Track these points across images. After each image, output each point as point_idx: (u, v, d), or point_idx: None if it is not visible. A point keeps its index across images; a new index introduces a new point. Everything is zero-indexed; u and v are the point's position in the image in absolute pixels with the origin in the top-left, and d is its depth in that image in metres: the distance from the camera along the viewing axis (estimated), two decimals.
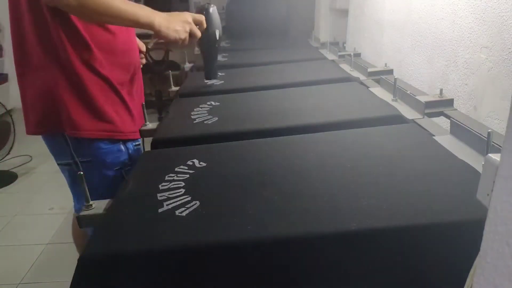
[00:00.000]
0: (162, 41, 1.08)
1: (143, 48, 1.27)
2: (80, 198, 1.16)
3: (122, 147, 1.10)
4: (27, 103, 1.05)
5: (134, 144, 1.12)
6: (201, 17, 1.14)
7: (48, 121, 1.03)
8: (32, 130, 1.06)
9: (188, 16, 1.09)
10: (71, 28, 0.97)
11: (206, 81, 1.40)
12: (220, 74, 1.51)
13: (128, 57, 1.11)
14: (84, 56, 1.00)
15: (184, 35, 1.07)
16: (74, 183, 1.13)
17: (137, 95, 1.17)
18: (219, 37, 1.25)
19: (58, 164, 1.11)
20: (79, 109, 1.01)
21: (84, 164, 1.06)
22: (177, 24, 1.05)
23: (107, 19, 0.96)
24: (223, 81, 1.46)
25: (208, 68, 1.35)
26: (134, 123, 1.12)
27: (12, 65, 1.04)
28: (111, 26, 1.03)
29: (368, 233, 0.56)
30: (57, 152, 1.09)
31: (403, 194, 0.65)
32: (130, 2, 0.96)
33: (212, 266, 0.57)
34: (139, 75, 1.19)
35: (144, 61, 1.29)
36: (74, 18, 0.96)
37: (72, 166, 1.07)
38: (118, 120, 1.07)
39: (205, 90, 1.36)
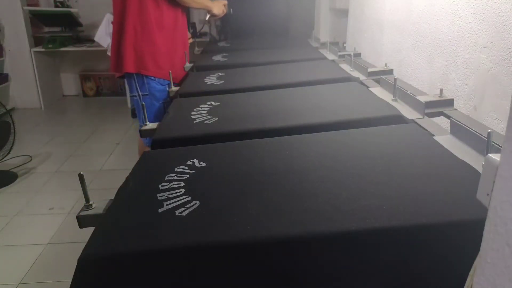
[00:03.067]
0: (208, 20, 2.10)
1: (190, 40, 2.12)
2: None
3: (167, 87, 1.70)
4: (119, 51, 1.71)
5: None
6: (225, 2, 2.04)
7: (132, 63, 1.70)
8: (113, 69, 1.78)
9: (222, 1, 2.00)
10: (157, 8, 1.68)
11: (221, 43, 2.32)
12: (220, 74, 1.54)
13: (180, 34, 1.85)
14: (160, 27, 1.70)
15: (222, 11, 1.99)
16: (139, 109, 1.73)
17: (180, 58, 1.89)
18: (232, 13, 2.20)
19: (130, 96, 1.91)
20: (149, 57, 1.70)
21: (143, 96, 1.76)
22: (220, 4, 1.98)
23: (192, 3, 1.78)
24: (223, 81, 1.46)
25: (225, 33, 2.48)
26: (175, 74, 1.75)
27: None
28: (173, 12, 1.75)
29: (368, 233, 0.56)
30: (130, 87, 1.81)
31: (403, 194, 0.65)
32: None
33: (212, 265, 0.57)
34: (182, 49, 1.91)
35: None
36: (160, 2, 1.68)
37: (137, 97, 1.79)
38: (167, 69, 1.68)
39: (205, 90, 1.36)
